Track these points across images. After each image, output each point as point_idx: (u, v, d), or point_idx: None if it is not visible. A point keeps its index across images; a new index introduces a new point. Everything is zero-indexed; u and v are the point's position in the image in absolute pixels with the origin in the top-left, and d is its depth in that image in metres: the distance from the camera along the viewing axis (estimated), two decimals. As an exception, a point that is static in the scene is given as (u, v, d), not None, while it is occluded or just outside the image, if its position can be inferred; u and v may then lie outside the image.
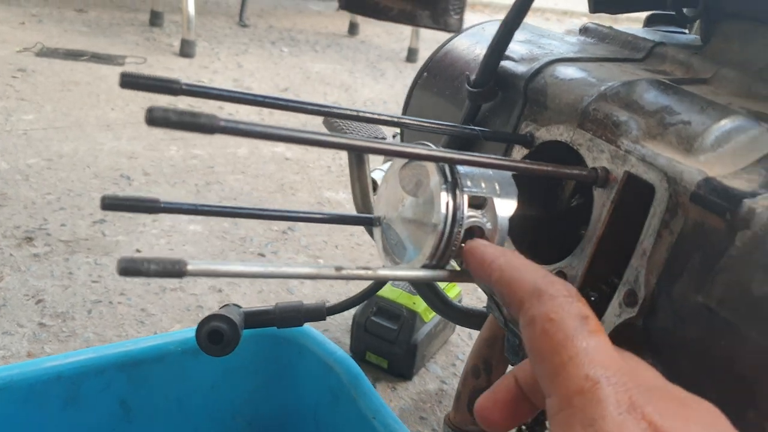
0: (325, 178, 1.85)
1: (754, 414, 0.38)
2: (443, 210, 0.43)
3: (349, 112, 0.50)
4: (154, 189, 1.62)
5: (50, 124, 1.92)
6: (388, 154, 0.42)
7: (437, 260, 0.45)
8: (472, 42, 0.69)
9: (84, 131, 1.90)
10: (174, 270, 0.35)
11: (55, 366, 0.71)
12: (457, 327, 1.23)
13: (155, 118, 0.34)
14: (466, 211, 0.44)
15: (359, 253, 1.48)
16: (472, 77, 0.59)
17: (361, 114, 0.50)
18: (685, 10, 0.63)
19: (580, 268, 0.48)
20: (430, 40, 3.61)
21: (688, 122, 0.46)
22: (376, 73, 3.05)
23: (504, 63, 0.58)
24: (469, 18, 0.48)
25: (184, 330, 0.79)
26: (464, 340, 1.23)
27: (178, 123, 0.33)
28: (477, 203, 0.45)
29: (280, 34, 3.46)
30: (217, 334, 0.64)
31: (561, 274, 0.49)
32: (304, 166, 1.91)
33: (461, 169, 0.45)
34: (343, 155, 2.02)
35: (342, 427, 0.77)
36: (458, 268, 0.49)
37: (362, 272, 0.41)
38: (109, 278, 1.24)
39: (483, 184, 0.46)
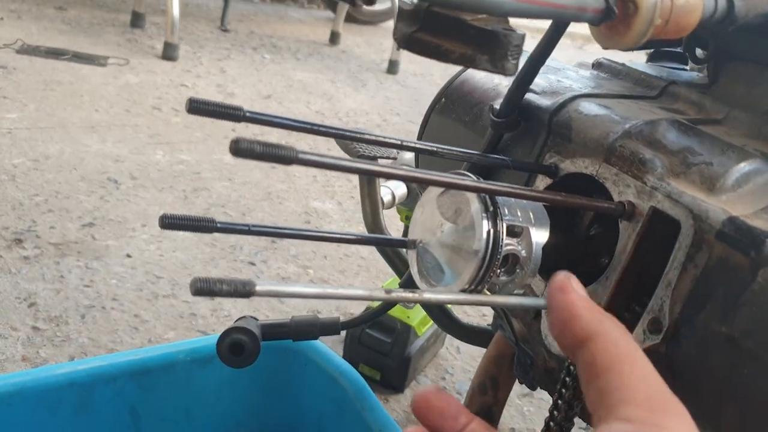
0: (311, 188, 1.87)
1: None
2: (484, 237, 0.46)
3: (380, 139, 0.53)
4: (142, 194, 1.62)
5: (34, 123, 1.90)
6: (440, 185, 0.45)
7: (476, 285, 0.47)
8: (490, 71, 0.72)
9: (69, 132, 1.89)
10: (244, 291, 0.37)
11: (67, 373, 0.72)
12: (446, 341, 1.25)
13: (240, 149, 0.35)
14: (505, 239, 0.47)
15: (347, 264, 1.50)
16: (496, 107, 0.62)
17: (389, 140, 0.53)
18: (697, 50, 0.67)
19: (604, 295, 0.51)
20: (411, 53, 3.64)
21: (710, 163, 0.49)
22: (358, 83, 3.07)
23: (527, 95, 0.61)
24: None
25: (193, 339, 0.80)
26: (452, 354, 1.25)
27: (261, 154, 0.35)
28: (514, 232, 0.48)
29: (262, 41, 3.47)
30: (238, 346, 0.65)
31: (585, 300, 0.52)
32: (290, 174, 1.92)
33: (498, 198, 0.48)
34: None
35: (347, 438, 0.79)
36: (488, 293, 0.51)
37: (409, 295, 0.44)
38: (101, 283, 1.24)
39: (519, 214, 0.48)
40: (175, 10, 2.70)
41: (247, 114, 0.43)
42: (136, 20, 3.16)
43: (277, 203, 1.74)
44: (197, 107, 0.41)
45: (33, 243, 1.31)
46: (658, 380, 0.29)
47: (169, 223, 0.44)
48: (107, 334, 1.10)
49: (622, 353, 0.30)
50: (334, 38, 3.75)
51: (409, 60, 3.58)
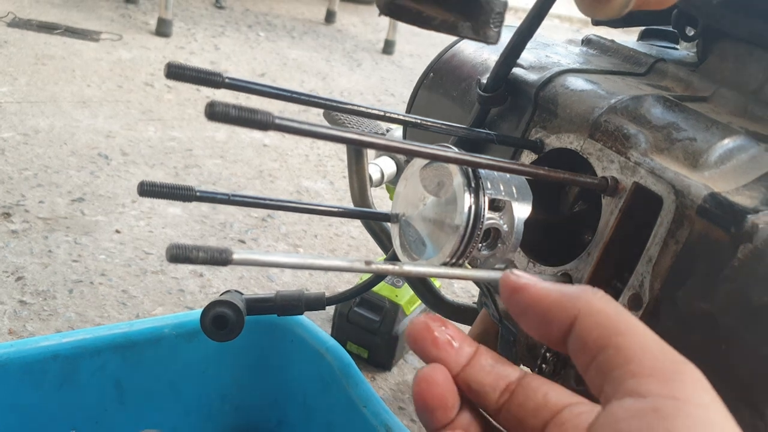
0: (303, 167, 1.86)
1: (749, 414, 0.41)
2: (466, 211, 0.45)
3: (363, 110, 0.52)
4: (133, 170, 1.61)
5: (25, 97, 1.88)
6: (422, 156, 0.44)
7: (456, 258, 0.47)
8: (479, 46, 0.72)
9: (60, 107, 1.87)
10: (220, 258, 0.37)
11: (52, 345, 0.72)
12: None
13: (216, 113, 0.35)
14: (487, 213, 0.46)
15: (338, 243, 1.50)
16: (483, 81, 0.62)
17: (372, 111, 0.52)
18: (687, 29, 0.66)
19: (585, 271, 0.51)
20: (407, 33, 3.63)
21: (693, 139, 0.49)
22: (353, 63, 3.05)
23: (515, 70, 0.60)
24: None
25: (179, 314, 0.80)
26: (441, 333, 1.26)
27: (236, 118, 0.35)
28: (496, 206, 0.48)
29: (257, 18, 3.44)
30: (222, 320, 0.65)
31: (567, 276, 0.52)
32: (282, 153, 1.91)
33: (482, 172, 0.47)
34: (321, 144, 2.02)
35: (332, 414, 0.79)
36: (470, 267, 0.51)
37: (389, 267, 0.43)
38: (89, 258, 1.23)
39: (502, 188, 0.48)
40: (169, -15, 2.67)
41: (227, 80, 0.42)
42: (130, -5, 3.13)
43: (268, 182, 1.73)
44: (176, 72, 0.40)
45: (21, 217, 1.31)
46: (662, 345, 0.27)
47: (148, 190, 0.44)
48: (95, 309, 1.10)
49: (613, 325, 0.27)
50: (329, 17, 3.72)
51: (404, 40, 3.56)
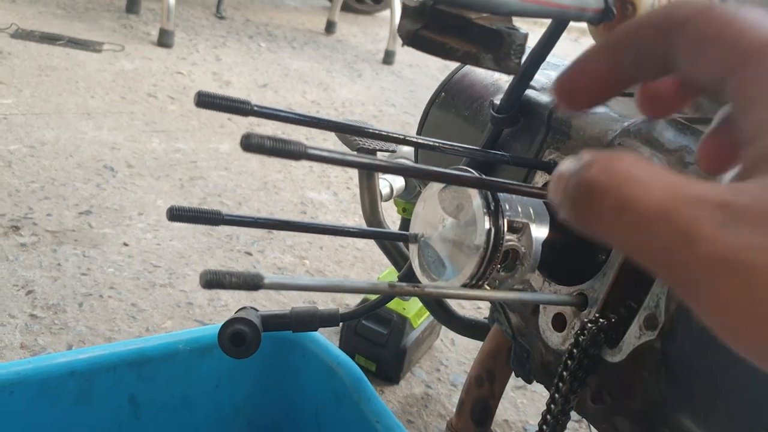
0: (307, 178, 1.87)
1: (765, 433, 0.42)
2: (486, 233, 0.47)
3: (382, 134, 0.53)
4: (139, 182, 1.62)
5: (30, 109, 1.89)
6: (442, 180, 0.45)
7: (476, 280, 0.48)
8: (491, 66, 0.73)
9: (64, 119, 1.88)
10: (252, 283, 0.38)
11: (68, 362, 0.72)
12: (441, 333, 1.26)
13: (251, 144, 0.36)
14: (506, 236, 0.48)
15: (343, 255, 1.51)
16: (496, 102, 0.63)
17: (392, 135, 0.53)
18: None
19: (601, 291, 0.52)
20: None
21: (707, 162, 0.50)
22: (354, 73, 3.07)
23: (528, 92, 0.61)
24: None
25: (192, 330, 0.81)
26: (447, 346, 1.26)
27: (271, 149, 0.36)
28: (514, 228, 0.49)
29: (258, 29, 3.46)
30: (239, 337, 0.66)
31: (582, 296, 0.53)
32: (286, 164, 1.92)
33: (499, 194, 0.49)
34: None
35: (344, 429, 0.80)
36: (488, 288, 0.52)
37: (412, 289, 0.44)
38: (98, 271, 1.24)
39: (520, 210, 0.49)
40: (172, -4, 2.69)
41: (255, 108, 0.43)
42: (132, 6, 3.14)
43: (273, 193, 1.74)
44: (206, 101, 0.41)
45: (30, 230, 1.32)
46: None
47: (177, 215, 0.45)
48: (105, 323, 1.11)
49: None
50: (330, 27, 3.74)
51: (405, 51, 3.58)
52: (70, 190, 1.51)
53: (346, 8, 4.10)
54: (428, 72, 3.37)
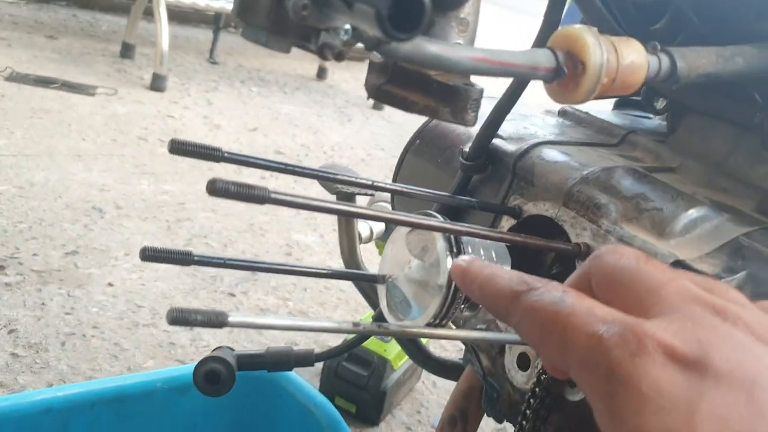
0: (293, 220, 1.89)
1: None
2: (448, 275, 0.49)
3: (361, 181, 0.56)
4: (126, 223, 1.64)
5: (21, 151, 1.92)
6: (409, 225, 0.48)
7: (440, 320, 0.50)
8: (463, 115, 0.76)
9: (55, 160, 1.91)
10: (217, 321, 0.40)
11: (45, 399, 0.73)
12: (423, 375, 1.27)
13: (216, 189, 0.38)
14: (467, 277, 0.50)
15: (327, 296, 1.52)
16: (465, 150, 0.66)
17: (374, 183, 0.56)
18: (655, 102, 0.71)
19: (561, 331, 0.54)
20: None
21: (660, 209, 0.53)
22: (344, 118, 3.12)
23: (495, 140, 0.64)
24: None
25: (171, 368, 0.82)
26: (428, 389, 1.27)
27: (235, 194, 0.38)
28: (476, 270, 0.51)
29: (249, 74, 3.52)
30: (214, 375, 0.67)
31: (544, 336, 0.55)
32: (272, 206, 1.94)
33: (463, 237, 0.51)
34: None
35: (319, 469, 0.81)
36: (454, 327, 0.54)
37: (377, 329, 0.46)
38: (82, 311, 1.25)
39: (482, 252, 0.51)
40: (165, 41, 2.74)
41: (226, 154, 0.46)
42: (126, 51, 3.20)
43: (259, 235, 1.76)
44: (179, 148, 0.44)
45: (15, 270, 1.33)
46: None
47: (150, 255, 0.47)
48: (87, 362, 1.11)
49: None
50: (321, 73, 3.81)
51: (394, 96, 3.64)
52: (57, 230, 1.52)
53: (337, 55, 4.18)
54: (417, 118, 3.40)
